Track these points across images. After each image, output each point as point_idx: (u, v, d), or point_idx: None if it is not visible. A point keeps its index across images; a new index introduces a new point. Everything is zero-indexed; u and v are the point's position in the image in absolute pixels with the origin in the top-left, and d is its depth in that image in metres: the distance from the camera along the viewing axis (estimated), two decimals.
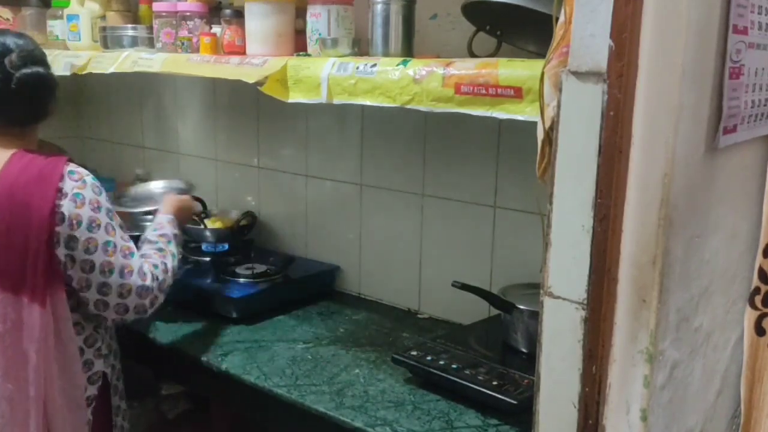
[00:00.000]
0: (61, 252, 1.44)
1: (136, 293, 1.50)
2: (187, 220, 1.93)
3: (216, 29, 1.89)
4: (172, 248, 1.68)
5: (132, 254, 1.52)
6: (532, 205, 1.65)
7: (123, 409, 1.69)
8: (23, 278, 1.44)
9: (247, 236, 2.32)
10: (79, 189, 1.46)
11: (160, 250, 1.65)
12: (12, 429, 1.48)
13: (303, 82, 1.53)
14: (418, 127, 1.94)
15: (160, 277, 1.57)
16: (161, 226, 1.73)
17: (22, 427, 1.47)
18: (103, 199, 1.50)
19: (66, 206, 1.43)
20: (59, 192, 1.43)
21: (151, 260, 1.59)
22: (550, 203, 1.04)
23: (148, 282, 1.53)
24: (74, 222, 1.43)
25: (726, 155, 1.11)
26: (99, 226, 1.46)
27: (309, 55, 1.70)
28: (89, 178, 1.49)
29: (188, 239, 2.23)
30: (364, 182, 2.11)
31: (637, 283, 0.99)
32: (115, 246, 1.48)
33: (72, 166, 1.49)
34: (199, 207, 2.06)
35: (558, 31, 1.04)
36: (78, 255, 1.45)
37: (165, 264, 1.61)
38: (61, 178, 1.45)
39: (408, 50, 1.57)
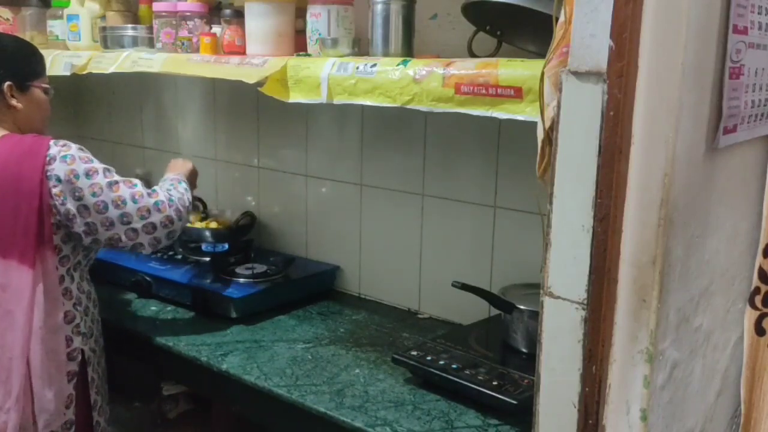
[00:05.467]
0: (71, 206, 1.55)
1: (155, 209, 1.61)
2: (193, 183, 1.95)
3: (216, 29, 1.89)
4: (183, 185, 1.75)
5: (136, 185, 1.63)
6: (532, 205, 1.65)
7: (106, 398, 1.76)
8: (12, 243, 1.54)
9: (246, 236, 2.31)
10: (65, 151, 1.57)
11: (171, 185, 1.74)
12: None
13: (303, 82, 1.53)
14: (418, 127, 1.94)
15: (174, 195, 1.67)
16: (168, 177, 1.81)
17: (4, 385, 1.54)
18: (91, 155, 1.61)
19: (57, 168, 1.54)
20: (47, 159, 1.54)
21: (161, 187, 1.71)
22: (550, 203, 1.04)
23: (161, 197, 1.63)
24: (71, 177, 1.54)
25: (726, 155, 1.11)
26: (96, 172, 1.57)
27: (309, 55, 1.70)
28: (72, 143, 1.60)
29: (188, 239, 2.23)
30: (364, 182, 2.11)
31: (637, 283, 0.99)
32: (117, 183, 1.59)
33: (56, 140, 1.59)
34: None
35: (558, 31, 1.04)
36: (88, 201, 1.55)
37: (176, 189, 1.70)
38: (48, 147, 1.56)
39: (408, 50, 1.57)
